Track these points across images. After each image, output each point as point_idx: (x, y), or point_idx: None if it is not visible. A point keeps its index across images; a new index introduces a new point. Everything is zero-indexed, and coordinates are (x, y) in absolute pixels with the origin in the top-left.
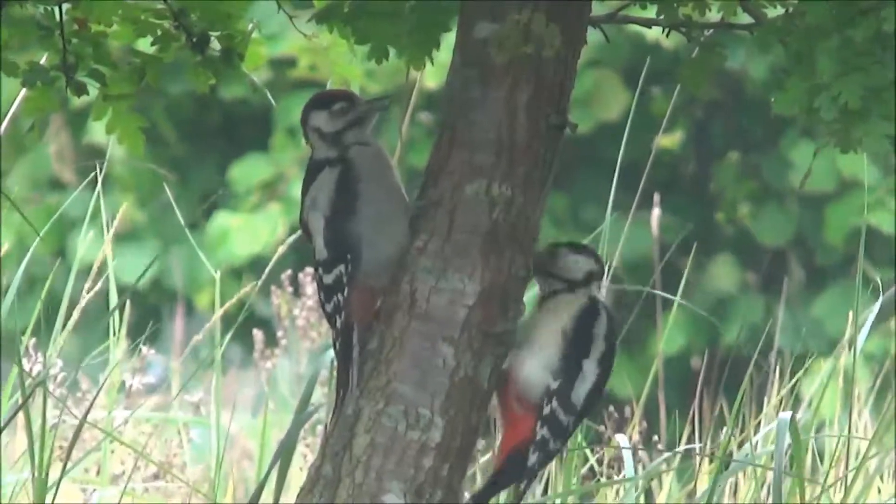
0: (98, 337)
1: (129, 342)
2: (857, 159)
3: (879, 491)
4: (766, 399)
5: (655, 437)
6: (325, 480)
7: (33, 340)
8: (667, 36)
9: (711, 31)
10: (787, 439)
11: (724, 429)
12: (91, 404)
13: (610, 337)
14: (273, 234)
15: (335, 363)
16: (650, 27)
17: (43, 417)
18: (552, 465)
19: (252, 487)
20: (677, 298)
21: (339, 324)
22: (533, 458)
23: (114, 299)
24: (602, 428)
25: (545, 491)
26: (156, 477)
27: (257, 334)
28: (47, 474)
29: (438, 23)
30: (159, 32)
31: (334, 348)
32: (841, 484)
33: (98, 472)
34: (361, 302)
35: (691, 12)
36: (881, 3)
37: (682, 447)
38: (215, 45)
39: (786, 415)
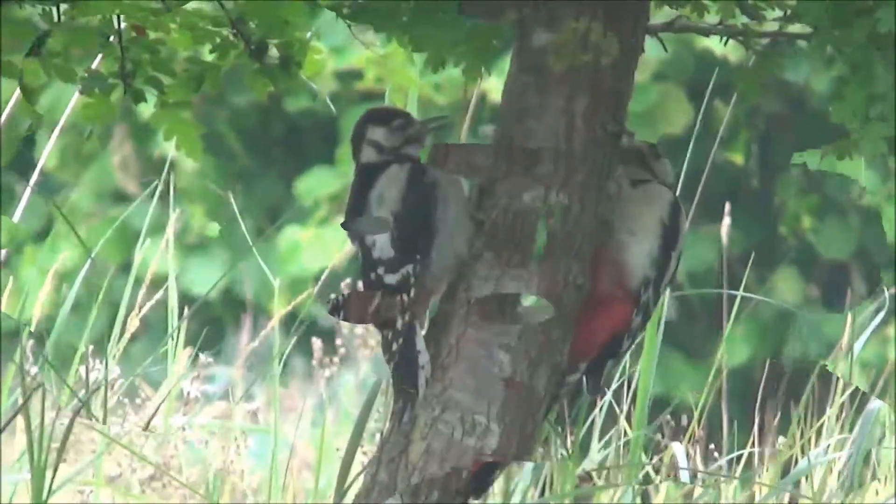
0: (163, 346)
1: (192, 352)
2: None
3: None
4: (827, 407)
5: (712, 446)
6: (380, 487)
7: (91, 347)
8: (724, 44)
9: (769, 39)
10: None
11: (782, 438)
12: (156, 413)
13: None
14: (343, 246)
15: (392, 366)
16: (708, 35)
17: (42, 418)
18: (551, 469)
19: (311, 497)
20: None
21: (400, 325)
22: (626, 345)
23: (174, 308)
24: (658, 436)
25: (542, 493)
26: (151, 478)
27: (315, 342)
28: (53, 474)
29: (494, 31)
30: (218, 40)
31: (388, 350)
32: None
33: (93, 474)
34: (423, 305)
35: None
36: (877, 5)
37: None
38: (275, 53)
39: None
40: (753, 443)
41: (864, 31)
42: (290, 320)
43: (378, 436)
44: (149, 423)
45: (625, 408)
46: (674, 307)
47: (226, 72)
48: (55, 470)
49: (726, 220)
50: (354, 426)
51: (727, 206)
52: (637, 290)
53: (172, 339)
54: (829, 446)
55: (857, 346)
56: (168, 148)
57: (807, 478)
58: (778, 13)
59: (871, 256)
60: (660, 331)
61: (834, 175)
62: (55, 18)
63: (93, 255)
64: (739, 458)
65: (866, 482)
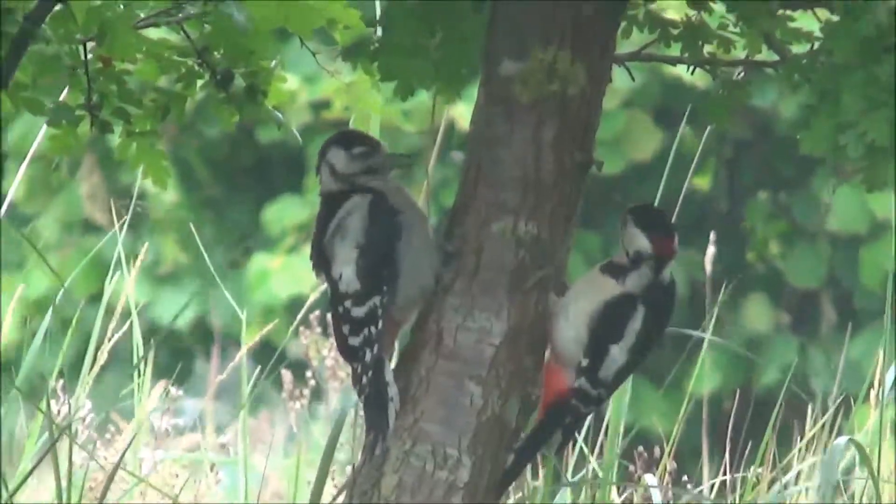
0: (132, 378)
1: (164, 383)
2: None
3: None
4: (797, 438)
5: (685, 477)
6: None
7: (61, 382)
8: (691, 74)
9: (741, 69)
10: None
11: (753, 468)
12: (125, 450)
13: (649, 332)
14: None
15: (363, 399)
16: (675, 65)
17: (69, 462)
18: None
19: None
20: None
21: (368, 358)
22: (567, 419)
23: (141, 339)
24: (631, 467)
25: None
26: None
27: (286, 374)
28: None
29: (464, 60)
30: (183, 70)
31: (357, 384)
32: None
33: None
34: (391, 336)
35: (716, 49)
36: None
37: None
38: (241, 82)
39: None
40: (725, 471)
41: (892, 66)
42: (260, 350)
43: (349, 468)
44: (121, 459)
45: (593, 437)
46: None
47: (197, 102)
48: None
49: (711, 249)
50: (322, 458)
51: (712, 236)
52: (571, 369)
53: (139, 371)
54: (798, 474)
55: (889, 378)
56: (138, 178)
57: None
58: (805, 48)
59: (841, 284)
60: None
61: (801, 200)
62: (82, 56)
63: (65, 286)
64: (711, 487)
65: None
